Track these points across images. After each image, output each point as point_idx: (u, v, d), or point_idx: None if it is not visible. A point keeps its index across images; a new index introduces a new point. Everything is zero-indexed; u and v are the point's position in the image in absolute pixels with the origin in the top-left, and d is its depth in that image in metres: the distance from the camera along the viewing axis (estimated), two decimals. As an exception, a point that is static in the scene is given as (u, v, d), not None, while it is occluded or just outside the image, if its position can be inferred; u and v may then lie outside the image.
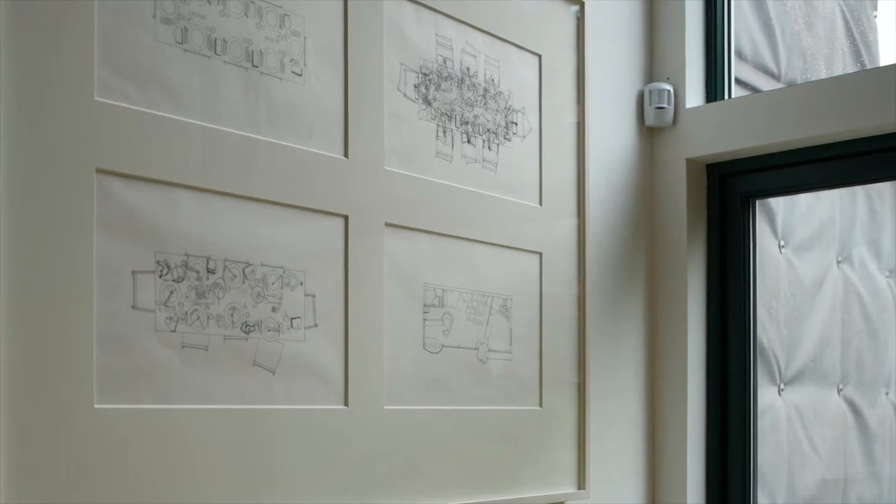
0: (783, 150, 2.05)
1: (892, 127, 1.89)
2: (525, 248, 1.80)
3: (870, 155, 1.98)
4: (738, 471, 2.14)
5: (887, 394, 3.10)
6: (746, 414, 2.14)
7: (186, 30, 1.30)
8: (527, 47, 1.82)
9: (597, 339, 1.99)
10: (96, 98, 1.21)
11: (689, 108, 2.14)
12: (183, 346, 1.29)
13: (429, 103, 1.63)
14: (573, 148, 1.92)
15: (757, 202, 2.19)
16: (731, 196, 2.16)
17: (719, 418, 2.15)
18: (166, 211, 1.28)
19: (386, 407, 1.54)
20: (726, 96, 2.19)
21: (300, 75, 1.44)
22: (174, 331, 1.28)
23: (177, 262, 1.29)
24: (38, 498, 1.15)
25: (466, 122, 1.70)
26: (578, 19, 1.93)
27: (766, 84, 2.61)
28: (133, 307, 1.25)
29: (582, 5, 1.93)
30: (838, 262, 2.92)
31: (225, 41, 1.35)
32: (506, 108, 1.77)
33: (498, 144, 1.76)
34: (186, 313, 1.30)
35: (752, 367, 2.15)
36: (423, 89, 1.62)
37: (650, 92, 2.14)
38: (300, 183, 1.43)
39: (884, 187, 3.11)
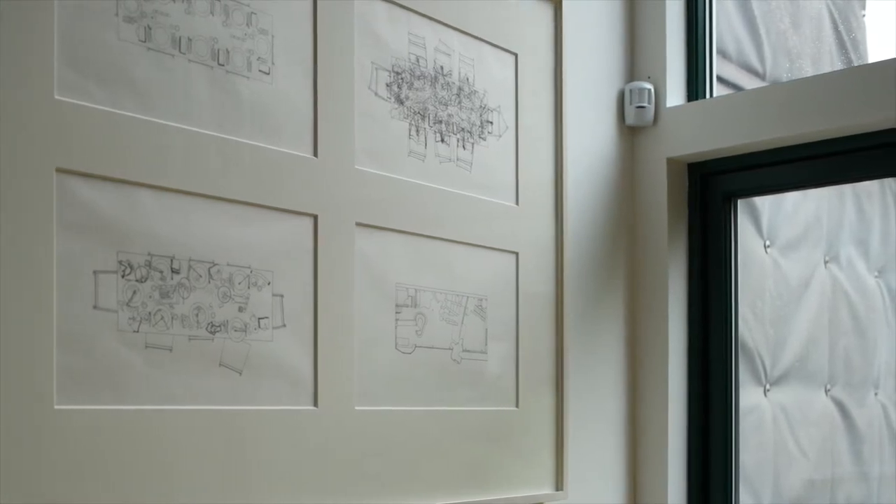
0: (764, 149, 2.04)
1: (874, 125, 1.88)
2: (501, 247, 1.79)
3: (851, 154, 1.97)
4: (720, 471, 2.13)
5: (876, 394, 3.09)
6: (728, 413, 2.13)
7: (150, 28, 1.30)
8: (502, 46, 1.81)
9: (576, 339, 1.98)
10: (56, 97, 1.20)
11: (670, 107, 2.13)
12: (146, 347, 1.28)
13: (401, 102, 1.62)
14: (551, 147, 1.91)
15: (739, 201, 2.18)
16: (712, 195, 2.15)
17: (701, 418, 2.14)
18: (129, 210, 1.27)
19: (357, 408, 1.53)
20: (707, 95, 2.18)
21: (268, 74, 1.43)
22: (137, 331, 1.27)
23: (140, 261, 1.28)
24: (-5, 499, 1.14)
25: (440, 121, 1.69)
26: (556, 18, 1.92)
27: (750, 83, 2.59)
28: (94, 307, 1.24)
29: (559, 4, 1.92)
30: (825, 262, 2.91)
31: (190, 39, 1.34)
32: (481, 106, 1.76)
33: (473, 143, 1.75)
34: (150, 313, 1.29)
35: (734, 367, 2.14)
36: (395, 88, 1.61)
37: (630, 91, 2.13)
38: (268, 182, 1.42)
39: (872, 187, 3.10)
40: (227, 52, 1.38)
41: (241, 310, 1.39)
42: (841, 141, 1.95)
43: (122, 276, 1.26)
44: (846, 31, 2.94)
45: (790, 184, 2.12)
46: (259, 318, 1.41)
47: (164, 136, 1.30)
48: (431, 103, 1.67)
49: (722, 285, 2.14)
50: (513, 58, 1.83)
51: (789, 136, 1.97)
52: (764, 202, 2.62)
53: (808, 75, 2.21)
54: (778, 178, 2.08)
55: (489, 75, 1.78)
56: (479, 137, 1.76)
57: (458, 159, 1.72)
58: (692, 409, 2.14)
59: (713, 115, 2.06)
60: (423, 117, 1.66)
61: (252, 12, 1.41)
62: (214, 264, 1.36)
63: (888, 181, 3.14)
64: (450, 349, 1.69)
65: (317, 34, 1.49)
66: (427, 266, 1.66)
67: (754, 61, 2.63)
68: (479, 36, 1.76)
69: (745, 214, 2.59)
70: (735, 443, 2.13)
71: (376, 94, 1.58)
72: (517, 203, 1.83)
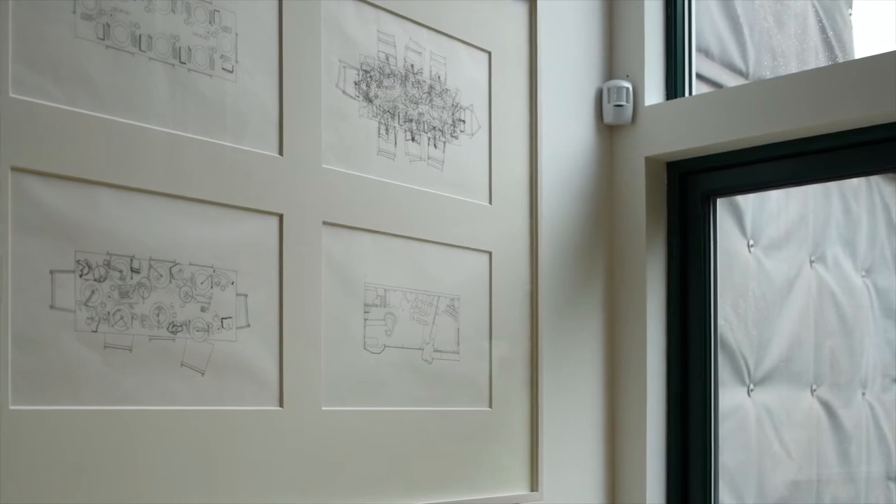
0: (743, 147, 2.03)
1: (852, 123, 1.86)
2: (474, 247, 1.78)
3: (829, 152, 1.95)
4: (699, 471, 2.11)
5: (864, 394, 3.08)
6: (707, 414, 2.11)
7: (109, 26, 1.29)
8: (475, 44, 1.80)
9: (552, 339, 1.96)
10: (12, 95, 1.19)
11: (649, 106, 2.12)
12: (105, 347, 1.27)
13: (370, 101, 1.61)
14: (526, 146, 1.90)
15: (719, 200, 2.17)
16: (691, 194, 2.13)
17: (680, 418, 2.13)
18: (87, 210, 1.26)
19: (323, 408, 1.52)
20: (686, 93, 2.16)
21: (231, 72, 1.42)
22: (95, 331, 1.26)
23: (98, 261, 1.27)
24: (-53, 501, 1.13)
25: (410, 120, 1.68)
26: (531, 16, 1.91)
27: (733, 82, 2.58)
28: (51, 307, 1.23)
29: (534, 2, 1.91)
30: (811, 262, 2.89)
31: (150, 37, 1.33)
32: (453, 105, 1.75)
33: (444, 142, 1.74)
34: (109, 313, 1.28)
35: (713, 367, 2.13)
36: (363, 86, 1.60)
37: (609, 89, 2.12)
38: (231, 181, 1.41)
39: (859, 186, 3.09)
40: (189, 49, 1.37)
41: (203, 310, 1.38)
42: (820, 139, 1.93)
43: (80, 276, 1.25)
44: (832, 29, 2.92)
45: (769, 182, 2.11)
46: (222, 318, 1.40)
47: (123, 134, 1.29)
48: (401, 102, 1.66)
49: (701, 284, 2.12)
50: (486, 56, 1.82)
51: (768, 135, 1.96)
52: (747, 201, 2.61)
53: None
54: (757, 176, 2.07)
55: (461, 74, 1.77)
56: (451, 136, 1.75)
57: (429, 158, 1.71)
58: (671, 409, 2.13)
59: (692, 114, 2.05)
60: (392, 116, 1.65)
61: (215, 10, 1.40)
62: (176, 264, 1.35)
63: (875, 179, 3.13)
64: (420, 349, 1.68)
65: (282, 32, 1.48)
66: (397, 265, 1.65)
67: (737, 60, 2.62)
68: (452, 34, 1.75)
69: (729, 214, 2.58)
70: (714, 443, 2.12)
71: (344, 92, 1.57)
72: (490, 202, 1.81)
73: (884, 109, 1.80)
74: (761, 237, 2.69)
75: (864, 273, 3.10)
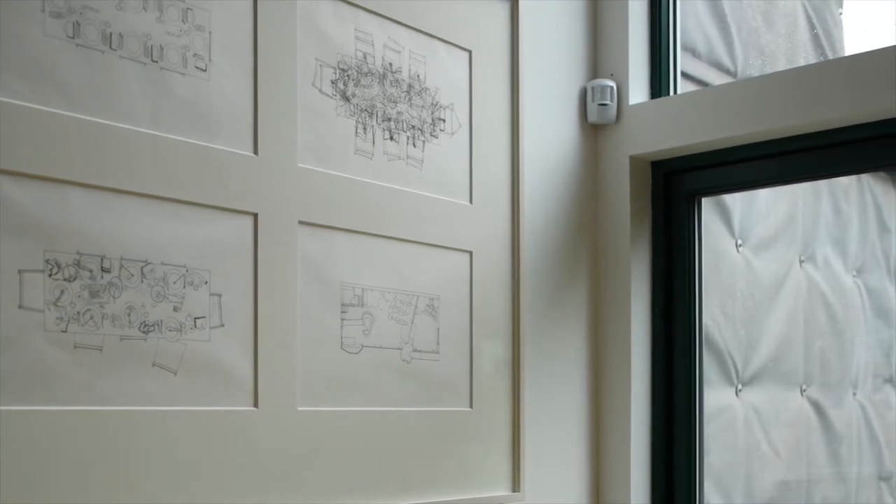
0: (727, 146, 2.02)
1: (837, 122, 1.86)
2: (454, 246, 1.77)
3: (815, 151, 1.95)
4: (683, 471, 2.10)
5: (854, 394, 3.07)
6: (692, 413, 2.10)
7: (78, 24, 1.28)
8: (456, 43, 1.79)
9: (535, 339, 1.96)
10: (-21, 93, 1.19)
11: (633, 105, 2.11)
12: (75, 347, 1.27)
13: (347, 99, 1.61)
14: (507, 145, 1.89)
15: (704, 200, 2.16)
16: (675, 193, 2.13)
17: (665, 418, 2.12)
18: (56, 209, 1.25)
19: (299, 408, 1.52)
20: (671, 92, 2.15)
21: (205, 70, 1.41)
22: (65, 331, 1.26)
23: (68, 260, 1.26)
24: (-88, 502, 1.13)
25: (389, 119, 1.67)
26: (512, 14, 1.90)
27: (721, 81, 2.57)
28: (20, 307, 1.22)
29: (516, 0, 1.90)
30: (801, 262, 2.89)
31: (121, 36, 1.32)
32: (432, 104, 1.74)
33: (424, 142, 1.73)
34: (78, 313, 1.27)
35: (698, 366, 2.12)
36: (340, 85, 1.60)
37: (593, 88, 2.11)
38: (204, 180, 1.40)
39: (850, 185, 3.08)
40: (161, 48, 1.36)
41: (175, 309, 1.37)
42: (805, 137, 1.93)
43: (50, 276, 1.25)
44: (822, 28, 2.92)
45: (755, 182, 2.10)
46: (195, 318, 1.39)
47: (94, 133, 1.29)
48: (380, 101, 1.65)
49: (686, 284, 2.11)
50: (466, 55, 1.81)
51: (753, 133, 1.95)
52: (735, 201, 2.61)
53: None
54: (742, 175, 2.06)
55: (441, 73, 1.76)
56: (431, 135, 1.74)
57: (408, 157, 1.70)
58: (655, 409, 2.12)
59: (676, 113, 2.04)
60: (370, 115, 1.64)
61: (188, 8, 1.39)
62: (147, 263, 1.34)
63: (866, 178, 3.13)
64: (399, 349, 1.67)
65: (257, 30, 1.48)
66: (375, 265, 1.64)
67: (725, 59, 2.61)
68: (431, 33, 1.74)
69: (717, 213, 2.57)
70: (699, 443, 2.11)
71: (321, 91, 1.57)
72: (471, 202, 1.81)
73: (869, 107, 1.80)
74: (749, 237, 2.68)
75: (854, 273, 3.09)
